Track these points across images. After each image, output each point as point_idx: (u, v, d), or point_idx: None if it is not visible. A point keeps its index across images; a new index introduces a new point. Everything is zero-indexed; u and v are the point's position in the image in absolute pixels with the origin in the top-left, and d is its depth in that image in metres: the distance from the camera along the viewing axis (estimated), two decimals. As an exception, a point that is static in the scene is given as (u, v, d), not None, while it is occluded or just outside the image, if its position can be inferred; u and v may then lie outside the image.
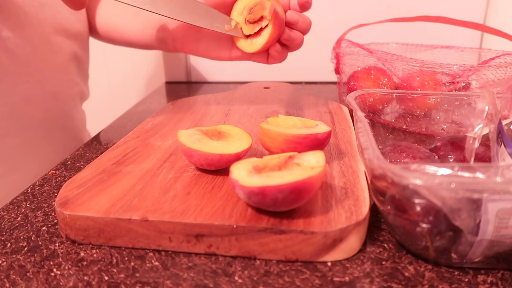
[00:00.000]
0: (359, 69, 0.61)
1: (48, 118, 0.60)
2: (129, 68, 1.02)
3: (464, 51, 0.66)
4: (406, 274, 0.29)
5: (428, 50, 0.69)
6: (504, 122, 0.37)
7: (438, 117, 0.48)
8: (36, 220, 0.36)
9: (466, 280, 0.28)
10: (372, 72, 0.60)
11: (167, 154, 0.43)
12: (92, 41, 0.72)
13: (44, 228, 0.35)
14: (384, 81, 0.58)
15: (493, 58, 0.52)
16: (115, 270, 0.30)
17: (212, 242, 0.31)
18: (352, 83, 0.61)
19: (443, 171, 0.25)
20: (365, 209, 0.32)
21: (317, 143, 0.39)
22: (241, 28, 0.46)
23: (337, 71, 0.65)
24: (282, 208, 0.31)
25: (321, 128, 0.40)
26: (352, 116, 0.52)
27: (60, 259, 0.31)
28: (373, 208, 0.36)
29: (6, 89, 0.53)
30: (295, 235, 0.29)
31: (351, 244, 0.30)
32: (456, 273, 0.29)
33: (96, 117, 0.82)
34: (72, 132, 0.67)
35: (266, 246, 0.30)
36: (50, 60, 0.59)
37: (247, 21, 0.46)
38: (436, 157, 0.38)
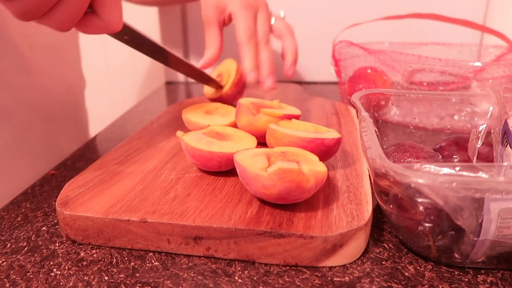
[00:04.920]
0: (359, 69, 0.61)
1: (65, 110, 0.63)
2: (129, 68, 1.01)
3: (462, 52, 0.66)
4: (406, 274, 0.29)
5: (428, 46, 0.69)
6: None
7: (443, 116, 0.47)
8: (36, 220, 0.36)
9: (466, 280, 0.28)
10: (373, 71, 0.59)
11: (170, 154, 0.43)
12: (92, 41, 0.72)
13: (44, 228, 0.35)
14: (385, 80, 0.58)
15: (496, 59, 0.52)
16: (115, 270, 0.30)
17: (211, 244, 0.31)
18: (353, 83, 0.61)
19: (445, 170, 0.25)
20: (367, 213, 0.31)
21: (323, 149, 0.37)
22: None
23: (337, 72, 0.65)
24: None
25: (330, 134, 0.38)
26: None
27: (60, 259, 0.31)
28: (374, 208, 0.36)
29: (29, 83, 0.55)
30: (294, 239, 0.29)
31: (352, 249, 0.30)
32: (456, 273, 0.29)
33: (96, 117, 0.81)
34: (83, 124, 0.71)
35: (265, 250, 0.30)
36: (65, 55, 0.63)
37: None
38: (440, 157, 0.38)
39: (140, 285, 0.28)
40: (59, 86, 0.61)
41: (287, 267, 0.30)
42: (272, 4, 0.87)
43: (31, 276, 0.29)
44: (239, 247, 0.30)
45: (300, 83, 0.89)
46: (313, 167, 0.31)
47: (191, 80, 0.94)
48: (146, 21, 0.91)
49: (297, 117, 0.44)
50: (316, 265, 0.30)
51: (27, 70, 0.54)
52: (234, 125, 0.46)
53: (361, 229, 0.30)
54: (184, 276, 0.29)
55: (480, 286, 0.28)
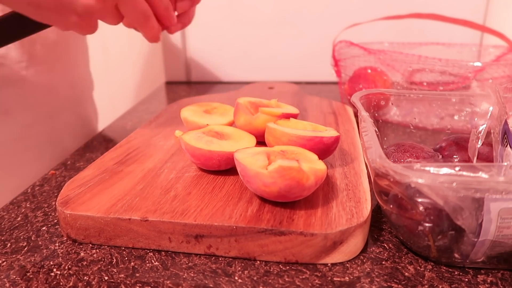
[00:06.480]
0: (359, 69, 0.61)
1: (67, 106, 0.63)
2: (129, 68, 1.02)
3: (462, 52, 0.66)
4: (406, 274, 0.29)
5: (428, 46, 0.69)
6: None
7: (443, 116, 0.47)
8: (36, 220, 0.36)
9: (466, 280, 0.28)
10: (373, 71, 0.59)
11: (169, 154, 0.43)
12: (92, 42, 0.72)
13: (44, 228, 0.35)
14: (385, 80, 0.58)
15: (496, 59, 0.52)
16: (115, 270, 0.30)
17: (212, 243, 0.31)
18: (353, 83, 0.61)
19: (445, 170, 0.25)
20: (366, 211, 0.31)
21: (322, 147, 0.37)
22: None
23: (337, 72, 0.65)
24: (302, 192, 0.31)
25: (329, 133, 0.38)
26: (356, 116, 0.52)
27: (60, 259, 0.31)
28: (373, 208, 0.36)
29: (32, 78, 0.55)
30: (294, 236, 0.29)
31: (352, 246, 0.30)
32: (456, 273, 0.29)
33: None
34: (89, 121, 0.70)
35: (265, 247, 0.30)
36: (68, 51, 0.62)
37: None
38: (440, 157, 0.38)
39: (140, 285, 0.28)
40: (62, 82, 0.61)
41: (287, 267, 0.30)
42: (273, 4, 0.87)
43: (31, 276, 0.29)
44: (240, 245, 0.30)
45: (300, 83, 0.89)
46: (313, 165, 0.31)
47: (191, 80, 0.94)
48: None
49: (295, 116, 0.44)
50: (316, 262, 0.30)
51: (28, 64, 0.54)
52: (232, 124, 0.46)
53: (361, 226, 0.30)
54: (184, 276, 0.29)
55: (480, 286, 0.28)
